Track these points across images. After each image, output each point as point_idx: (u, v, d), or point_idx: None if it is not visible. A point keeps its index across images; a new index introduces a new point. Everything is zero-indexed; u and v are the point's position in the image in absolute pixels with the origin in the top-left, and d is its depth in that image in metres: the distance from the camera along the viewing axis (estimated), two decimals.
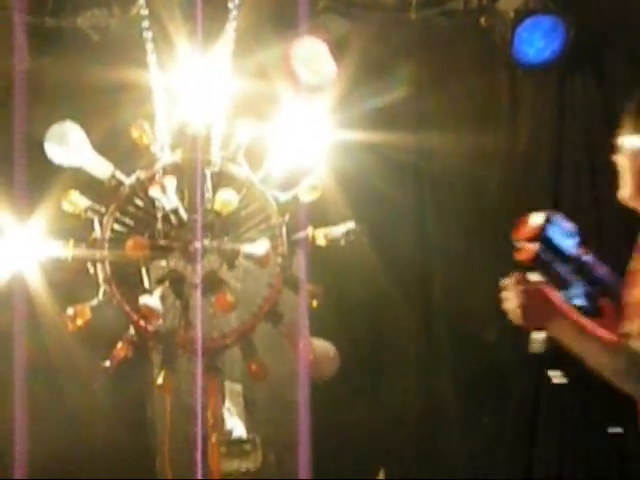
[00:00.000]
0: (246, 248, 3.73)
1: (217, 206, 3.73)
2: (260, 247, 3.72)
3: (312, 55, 3.87)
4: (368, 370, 4.42)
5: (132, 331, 3.66)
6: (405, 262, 4.47)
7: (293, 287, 3.79)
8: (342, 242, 3.83)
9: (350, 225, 3.84)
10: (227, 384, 4.02)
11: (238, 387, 4.14)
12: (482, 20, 4.41)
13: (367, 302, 4.48)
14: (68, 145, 3.70)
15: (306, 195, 3.81)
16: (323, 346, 3.78)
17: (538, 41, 4.30)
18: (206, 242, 3.72)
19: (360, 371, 4.35)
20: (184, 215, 3.69)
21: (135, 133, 3.77)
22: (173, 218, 3.68)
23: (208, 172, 3.76)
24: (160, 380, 3.65)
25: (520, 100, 4.45)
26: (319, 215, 3.86)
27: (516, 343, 4.36)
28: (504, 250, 4.41)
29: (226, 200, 3.73)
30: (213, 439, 3.66)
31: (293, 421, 4.01)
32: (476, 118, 4.42)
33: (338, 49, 4.00)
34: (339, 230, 3.83)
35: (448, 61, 4.43)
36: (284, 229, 3.79)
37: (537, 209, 4.44)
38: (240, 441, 3.96)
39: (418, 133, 4.30)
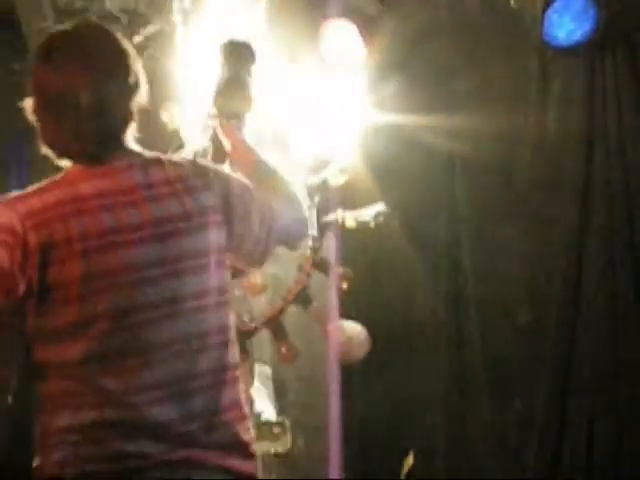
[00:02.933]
0: None
1: None
2: None
3: (342, 37, 3.84)
4: (398, 353, 4.41)
5: None
6: (436, 245, 4.45)
7: (323, 270, 3.79)
8: (372, 224, 3.83)
9: (379, 207, 3.84)
10: (257, 367, 4.03)
11: (268, 370, 4.14)
12: (512, 1, 4.38)
13: (398, 285, 4.47)
14: None
15: (336, 178, 3.80)
16: (353, 329, 3.78)
17: (568, 23, 4.25)
18: None
19: (390, 354, 4.34)
20: None
21: (164, 117, 3.78)
22: None
23: None
24: None
25: (550, 82, 4.41)
26: (349, 198, 3.85)
27: (547, 328, 4.37)
28: (536, 233, 4.41)
29: None
30: None
31: (323, 404, 4.02)
32: (507, 100, 4.38)
33: (368, 30, 3.97)
34: (369, 213, 3.83)
35: (478, 43, 4.39)
36: (314, 212, 3.79)
37: (568, 192, 4.46)
38: (269, 424, 3.97)
39: (449, 115, 4.26)
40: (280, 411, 4.09)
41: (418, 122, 4.17)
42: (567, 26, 4.26)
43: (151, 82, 3.29)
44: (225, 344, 2.32)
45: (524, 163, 4.36)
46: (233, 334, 2.36)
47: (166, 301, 2.20)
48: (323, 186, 3.80)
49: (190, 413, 2.19)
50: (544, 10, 4.26)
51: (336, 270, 3.77)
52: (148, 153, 2.36)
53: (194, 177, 2.33)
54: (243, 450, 2.26)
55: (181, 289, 2.23)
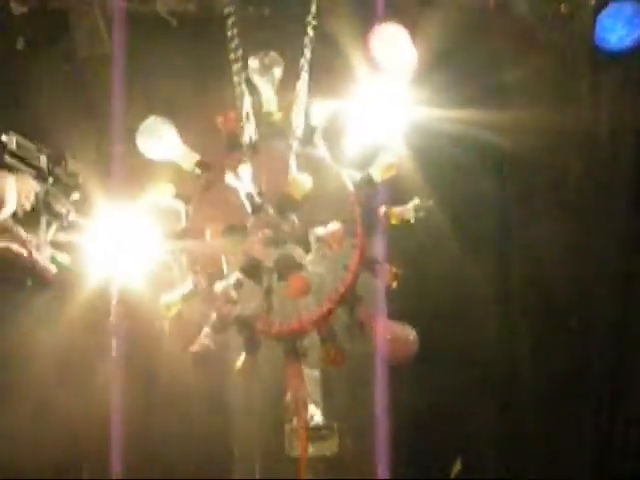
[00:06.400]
0: (317, 231, 3.72)
1: (290, 189, 3.73)
2: (330, 229, 3.70)
3: (393, 40, 3.83)
4: (447, 352, 4.40)
5: (215, 318, 3.68)
6: (485, 243, 4.45)
7: (371, 269, 3.75)
8: (412, 220, 3.77)
9: (416, 201, 3.78)
10: (305, 370, 4.02)
11: (316, 373, 4.14)
12: (562, 6, 4.37)
13: (447, 284, 4.46)
14: (160, 140, 3.73)
15: (383, 174, 3.77)
16: (402, 329, 3.75)
17: (620, 28, 4.25)
18: (281, 226, 3.72)
19: (439, 353, 4.33)
20: (259, 200, 3.70)
21: (217, 119, 3.78)
22: (248, 204, 3.68)
23: (292, 155, 3.75)
24: (240, 364, 3.66)
25: (602, 80, 4.41)
26: (398, 194, 3.82)
27: (597, 330, 4.35)
28: (587, 230, 4.39)
29: (299, 183, 3.72)
30: (294, 424, 3.67)
31: (371, 406, 4.01)
32: (557, 100, 4.39)
33: (417, 30, 3.96)
34: (407, 208, 3.78)
35: (529, 45, 4.39)
36: (360, 209, 3.76)
37: (620, 189, 4.44)
38: (317, 427, 3.97)
39: (499, 113, 4.25)
40: (328, 414, 4.09)
41: (468, 118, 4.16)
42: (619, 31, 4.26)
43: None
44: None
45: (575, 159, 4.36)
46: None
47: None
48: (369, 182, 3.77)
49: None
50: (595, 15, 4.27)
51: (384, 269, 3.73)
52: None
53: None
54: None
55: None
